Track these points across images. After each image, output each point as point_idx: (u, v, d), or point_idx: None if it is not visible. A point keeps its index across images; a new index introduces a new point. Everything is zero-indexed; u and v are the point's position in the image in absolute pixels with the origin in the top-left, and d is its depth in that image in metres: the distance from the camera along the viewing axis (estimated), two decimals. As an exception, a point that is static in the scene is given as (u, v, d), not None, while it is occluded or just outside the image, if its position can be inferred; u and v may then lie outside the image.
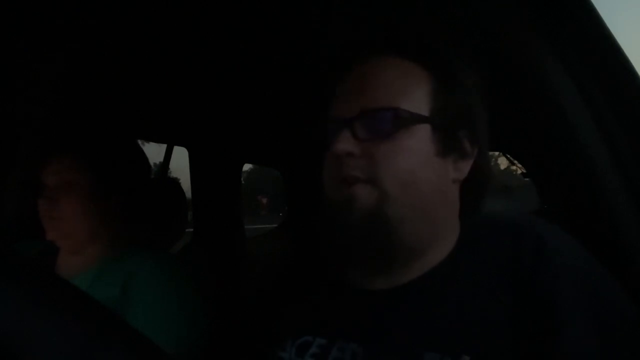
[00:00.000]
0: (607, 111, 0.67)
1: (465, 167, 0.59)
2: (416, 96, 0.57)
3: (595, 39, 0.65)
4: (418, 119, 0.55)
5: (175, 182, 1.43)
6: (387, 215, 0.54)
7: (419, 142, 0.56)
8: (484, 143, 0.60)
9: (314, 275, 0.67)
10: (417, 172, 0.55)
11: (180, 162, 2.03)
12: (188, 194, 1.61)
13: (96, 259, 0.91)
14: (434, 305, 0.53)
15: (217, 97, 1.35)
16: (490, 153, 0.71)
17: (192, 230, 1.67)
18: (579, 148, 0.69)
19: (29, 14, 0.79)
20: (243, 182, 2.28)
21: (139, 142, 1.09)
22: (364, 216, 0.54)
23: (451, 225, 0.60)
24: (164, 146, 1.69)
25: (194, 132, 1.64)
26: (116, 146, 0.97)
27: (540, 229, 0.55)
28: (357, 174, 0.55)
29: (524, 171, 2.40)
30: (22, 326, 0.28)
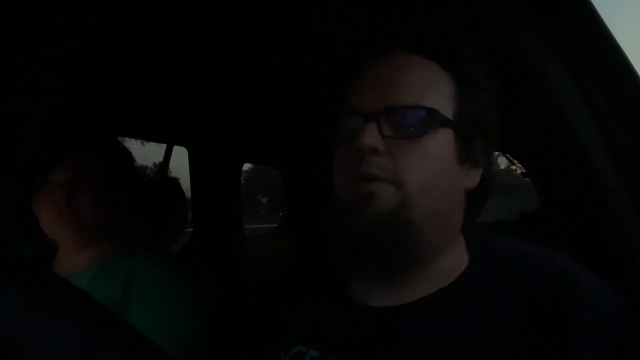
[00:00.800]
0: (607, 111, 0.67)
1: (477, 176, 0.56)
2: (444, 98, 0.54)
3: (595, 39, 0.65)
4: (447, 123, 0.53)
5: (175, 182, 1.43)
6: (408, 219, 0.50)
7: (443, 146, 0.53)
8: (494, 152, 0.59)
9: (313, 279, 0.66)
10: (441, 178, 0.52)
11: (180, 162, 2.03)
12: (188, 194, 1.61)
13: (96, 258, 0.91)
14: (438, 330, 0.50)
15: (217, 97, 1.35)
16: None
17: (192, 230, 1.68)
18: (579, 148, 0.69)
19: (29, 14, 0.79)
20: (243, 182, 2.28)
21: (139, 142, 1.10)
22: (381, 217, 0.50)
23: (456, 235, 0.57)
24: (164, 146, 1.69)
25: (194, 132, 1.64)
26: (118, 145, 0.98)
27: (559, 263, 0.52)
28: (379, 172, 0.51)
29: (524, 171, 2.40)
30: (22, 326, 0.28)
